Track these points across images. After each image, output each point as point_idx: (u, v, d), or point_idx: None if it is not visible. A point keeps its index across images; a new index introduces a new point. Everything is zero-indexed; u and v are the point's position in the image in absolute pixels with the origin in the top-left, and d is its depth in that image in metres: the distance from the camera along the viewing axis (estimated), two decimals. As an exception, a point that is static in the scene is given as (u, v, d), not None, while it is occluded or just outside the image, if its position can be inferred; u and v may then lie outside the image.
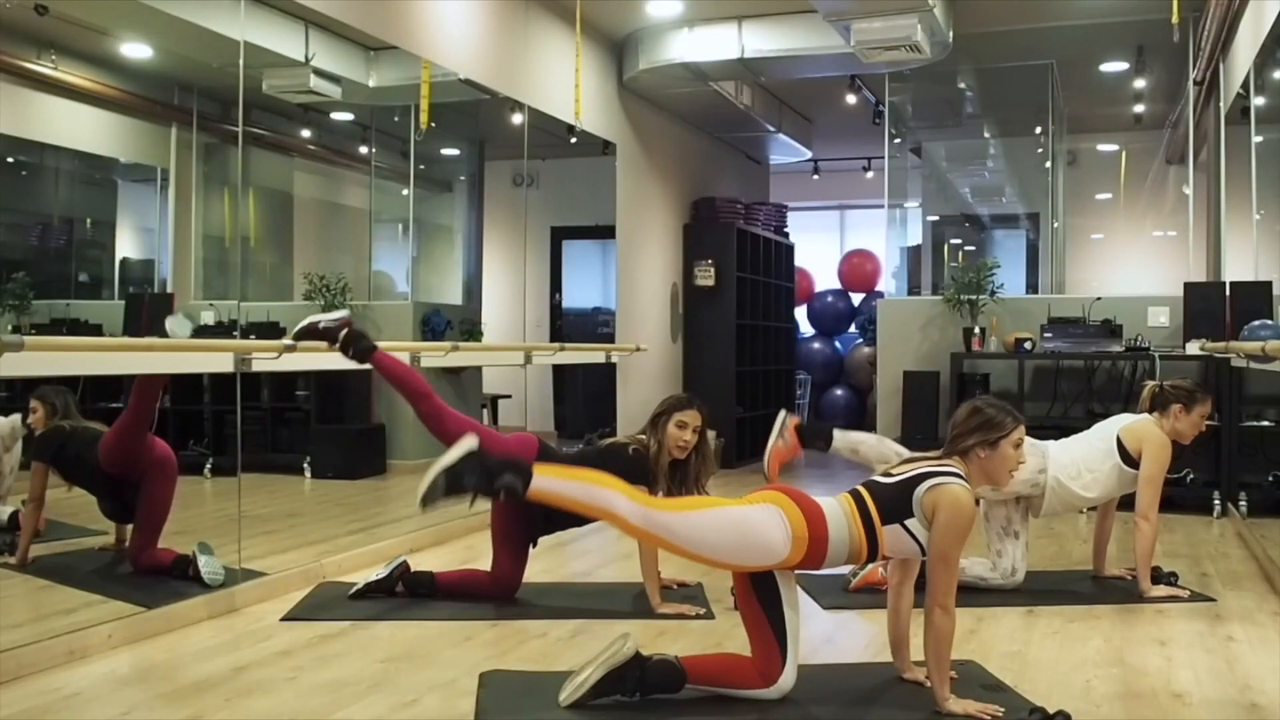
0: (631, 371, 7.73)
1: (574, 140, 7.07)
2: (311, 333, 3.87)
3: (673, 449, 3.79)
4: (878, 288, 11.31)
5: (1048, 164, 8.82)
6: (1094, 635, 3.56)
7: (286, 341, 3.88)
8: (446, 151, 7.14)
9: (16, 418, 4.20)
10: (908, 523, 2.77)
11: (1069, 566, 4.67)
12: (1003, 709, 2.72)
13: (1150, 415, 4.17)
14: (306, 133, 6.39)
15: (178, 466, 4.09)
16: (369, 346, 3.89)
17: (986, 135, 9.52)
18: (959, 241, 9.87)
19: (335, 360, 5.02)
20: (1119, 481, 4.13)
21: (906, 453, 4.23)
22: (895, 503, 2.78)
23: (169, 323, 3.82)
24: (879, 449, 4.25)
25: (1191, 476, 6.06)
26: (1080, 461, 4.11)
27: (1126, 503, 4.19)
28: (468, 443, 2.66)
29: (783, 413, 4.18)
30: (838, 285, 11.97)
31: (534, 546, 3.99)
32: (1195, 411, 4.12)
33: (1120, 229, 10.01)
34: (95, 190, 5.26)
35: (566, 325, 7.97)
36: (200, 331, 5.21)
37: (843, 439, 4.25)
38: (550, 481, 2.68)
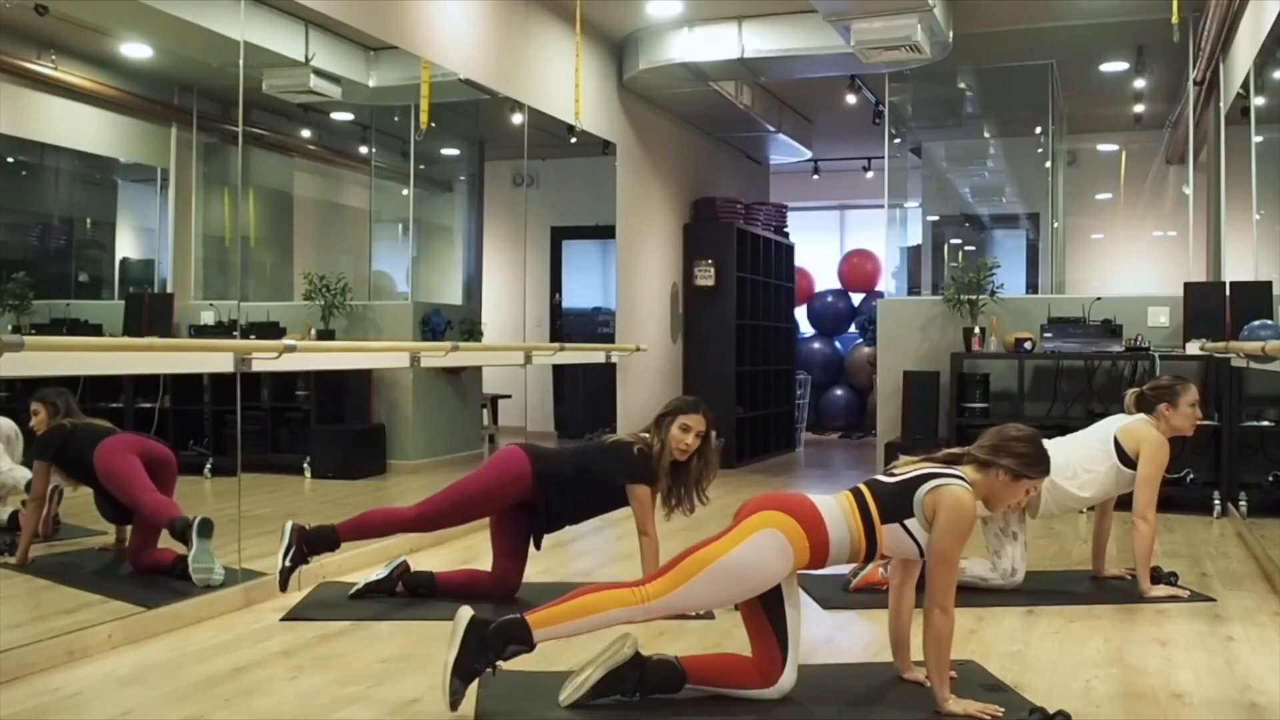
0: (631, 371, 7.73)
1: (574, 140, 7.07)
2: (288, 572, 3.71)
3: (674, 451, 3.78)
4: (878, 288, 11.32)
5: (1048, 164, 8.81)
6: (1094, 635, 3.56)
7: (287, 341, 3.87)
8: (446, 151, 7.14)
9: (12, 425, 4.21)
10: (907, 523, 2.77)
11: (1069, 566, 4.67)
12: (1003, 709, 2.72)
13: (1144, 416, 4.17)
14: (306, 133, 6.39)
15: (177, 467, 4.09)
16: (330, 538, 3.79)
17: (986, 135, 9.51)
18: (959, 241, 9.86)
19: (336, 360, 5.02)
20: (1116, 482, 4.13)
21: None
22: (896, 502, 2.79)
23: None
24: None
25: (1191, 476, 6.05)
26: (1076, 463, 4.11)
27: (1125, 503, 4.19)
28: (461, 621, 2.69)
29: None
30: (838, 285, 11.98)
31: (538, 549, 3.99)
32: (1183, 403, 4.11)
33: (1120, 229, 10.01)
34: (95, 190, 5.25)
35: (566, 325, 7.97)
36: (200, 331, 5.21)
37: None
38: (551, 630, 2.73)
